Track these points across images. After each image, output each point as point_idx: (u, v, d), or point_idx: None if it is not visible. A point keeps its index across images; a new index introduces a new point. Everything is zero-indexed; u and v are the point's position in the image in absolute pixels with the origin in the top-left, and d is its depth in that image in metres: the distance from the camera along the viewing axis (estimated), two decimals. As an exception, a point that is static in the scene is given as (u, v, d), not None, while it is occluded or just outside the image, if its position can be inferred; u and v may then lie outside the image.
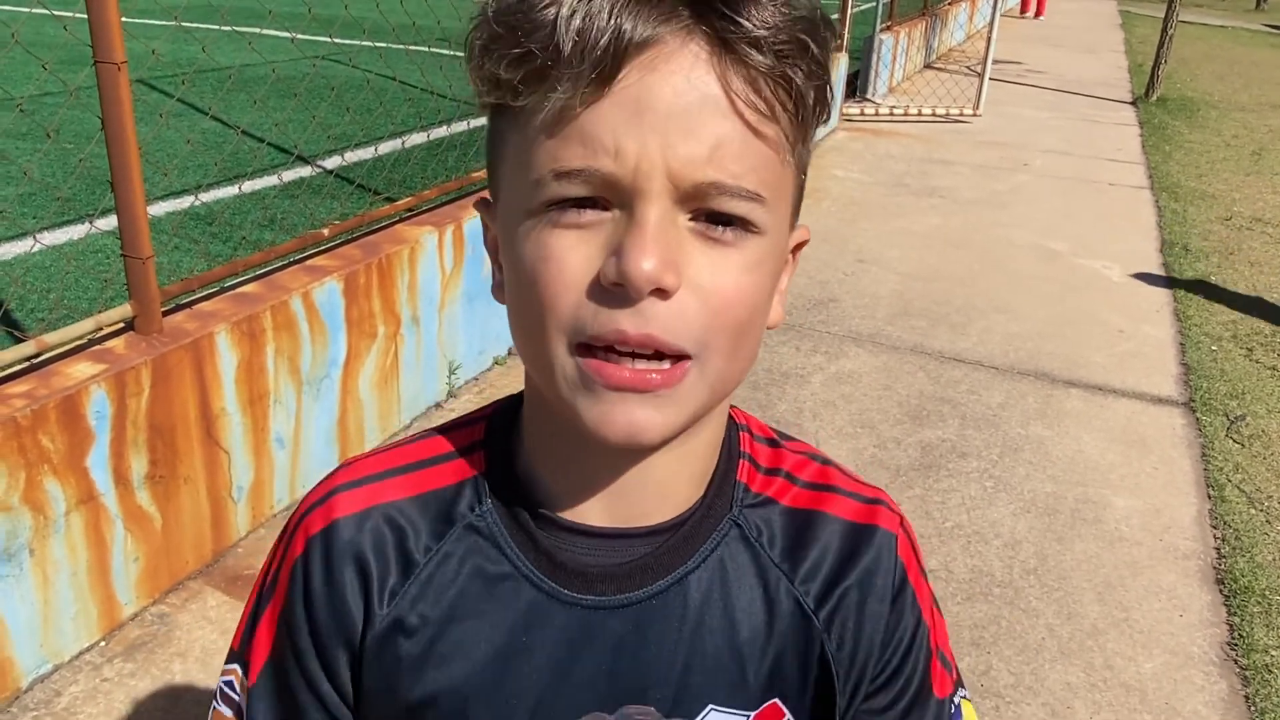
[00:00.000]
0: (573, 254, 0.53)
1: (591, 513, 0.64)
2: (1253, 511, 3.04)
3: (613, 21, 0.50)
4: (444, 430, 0.71)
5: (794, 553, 0.67)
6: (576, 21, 0.50)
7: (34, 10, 2.61)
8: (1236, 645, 2.47)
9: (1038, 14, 18.90)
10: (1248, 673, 2.39)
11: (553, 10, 0.51)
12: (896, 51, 9.60)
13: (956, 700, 0.75)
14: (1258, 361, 4.12)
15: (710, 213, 0.54)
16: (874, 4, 8.89)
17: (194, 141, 5.19)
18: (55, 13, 2.23)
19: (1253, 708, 2.28)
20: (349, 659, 0.66)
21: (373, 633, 0.65)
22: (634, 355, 0.54)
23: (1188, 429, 3.53)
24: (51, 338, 2.13)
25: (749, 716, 0.66)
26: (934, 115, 8.53)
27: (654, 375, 0.54)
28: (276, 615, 0.67)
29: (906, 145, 7.55)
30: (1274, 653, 2.45)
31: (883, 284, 4.72)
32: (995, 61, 9.85)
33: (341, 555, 0.65)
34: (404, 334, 3.14)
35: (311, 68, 6.64)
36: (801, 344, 4.01)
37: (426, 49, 6.19)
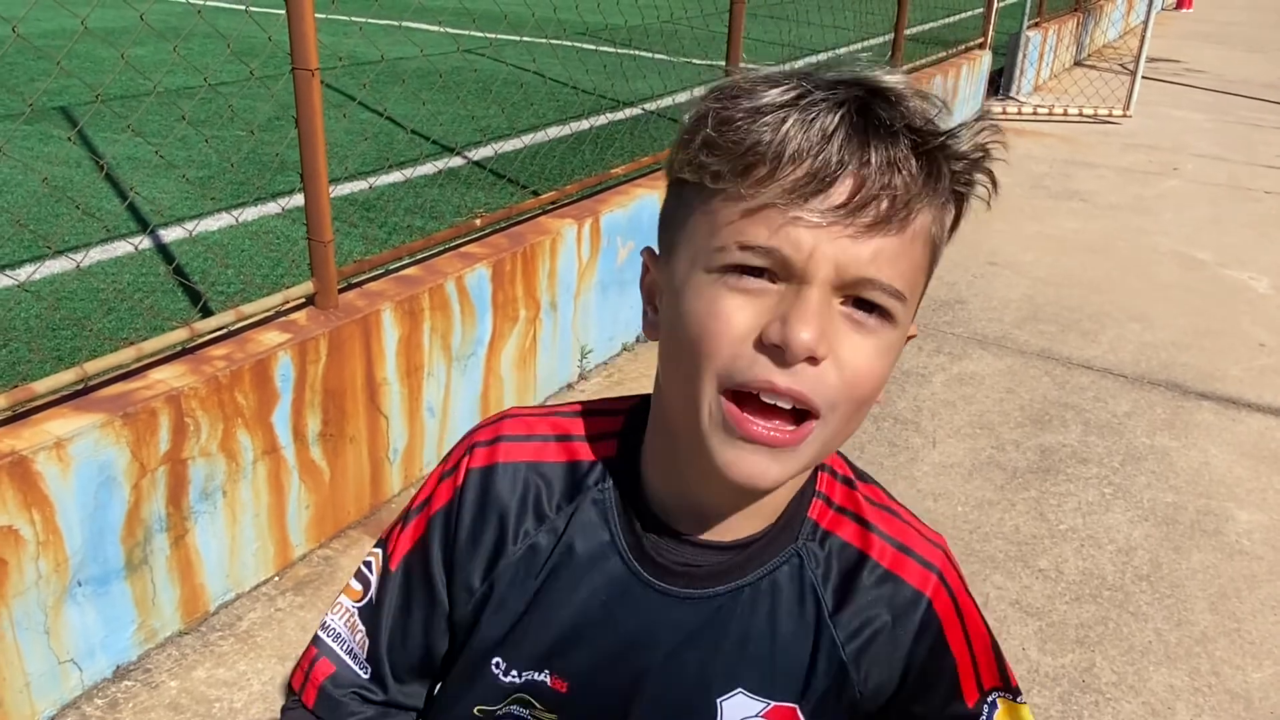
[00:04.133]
0: (740, 313, 0.64)
1: (682, 522, 0.76)
2: (1389, 535, 2.96)
3: (839, 153, 0.61)
4: (592, 412, 0.84)
5: (841, 592, 0.77)
6: (798, 141, 0.62)
7: (215, 3, 2.93)
8: (1356, 665, 2.45)
9: (1181, 5, 17.96)
10: (1366, 693, 2.37)
11: (778, 125, 0.62)
12: (1044, 49, 9.35)
13: (992, 699, 0.80)
14: None
15: (860, 300, 0.65)
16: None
17: (354, 131, 5.60)
18: (249, 9, 2.53)
19: (1368, 728, 2.27)
20: (470, 580, 0.80)
21: (504, 562, 0.80)
22: (772, 409, 0.64)
23: (1326, 448, 3.44)
24: (247, 308, 2.43)
25: (768, 705, 0.78)
26: (1080, 115, 8.30)
27: (783, 434, 0.65)
28: (424, 522, 0.82)
29: (1049, 146, 7.39)
30: (1397, 676, 2.42)
31: (1013, 288, 4.70)
32: (1150, 60, 9.49)
33: (493, 493, 0.80)
34: (542, 318, 3.37)
35: (462, 60, 7.00)
36: (925, 344, 4.07)
37: (569, 43, 6.42)
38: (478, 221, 3.21)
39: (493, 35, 7.62)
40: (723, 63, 4.52)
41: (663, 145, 4.78)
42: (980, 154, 0.67)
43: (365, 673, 0.85)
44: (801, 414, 0.65)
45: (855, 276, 0.63)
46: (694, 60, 7.32)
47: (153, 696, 2.18)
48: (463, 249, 3.12)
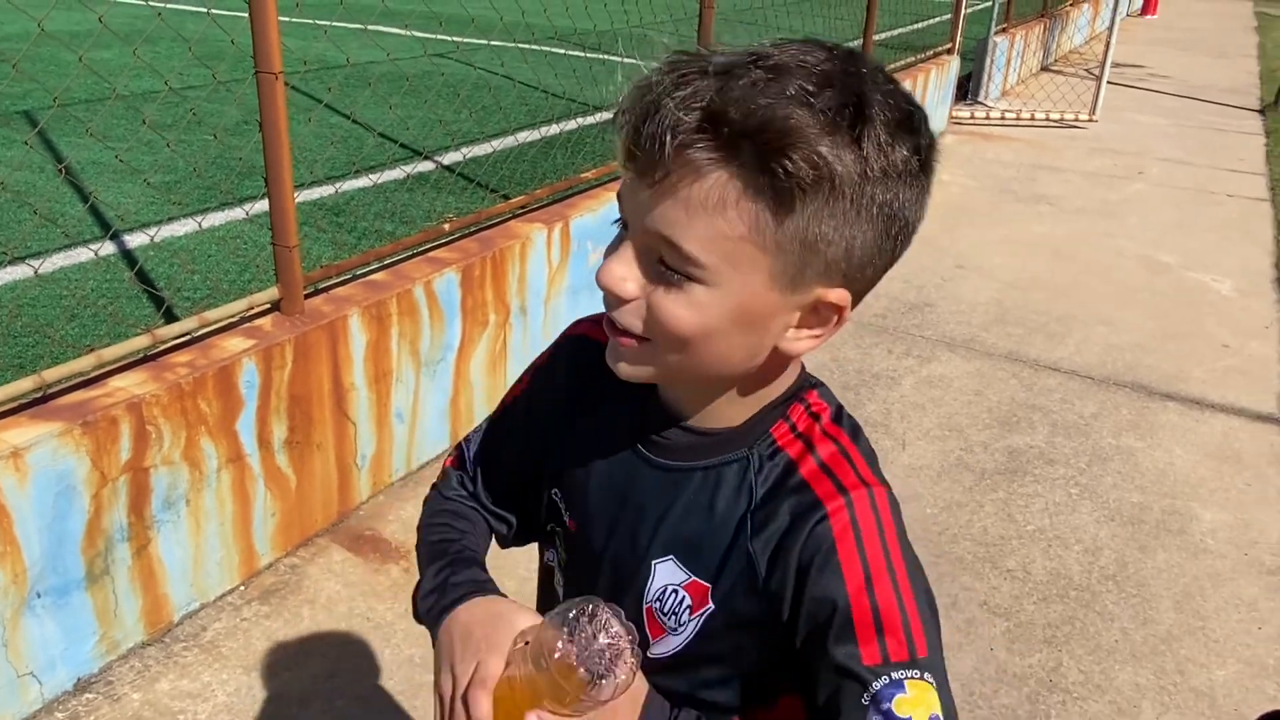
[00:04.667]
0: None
1: (673, 404, 0.89)
2: (1348, 532, 3.01)
3: (643, 121, 0.71)
4: None
5: (766, 496, 0.84)
6: (631, 111, 0.72)
7: (180, 6, 2.91)
8: (1317, 661, 2.48)
9: (1146, 11, 18.26)
10: (1326, 689, 2.40)
11: (631, 97, 0.72)
12: (1011, 54, 9.45)
13: (895, 676, 0.74)
14: (1370, 382, 4.01)
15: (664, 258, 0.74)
16: (990, 5, 8.79)
17: (322, 135, 5.56)
18: (211, 12, 2.51)
19: (1328, 723, 2.30)
20: (537, 421, 1.00)
21: (573, 408, 0.97)
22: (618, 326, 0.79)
23: (1287, 447, 3.49)
24: (211, 314, 2.41)
25: (689, 578, 0.87)
26: (1047, 120, 8.40)
27: (619, 341, 0.79)
28: (529, 374, 1.04)
29: (1016, 150, 7.47)
30: (1356, 671, 2.46)
31: (981, 291, 4.74)
32: (1116, 65, 9.62)
33: (576, 353, 0.98)
34: (513, 323, 3.36)
35: (430, 64, 6.97)
36: (894, 347, 4.10)
37: (538, 47, 6.40)
38: (446, 226, 3.19)
39: (460, 39, 7.60)
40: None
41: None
42: (778, 137, 0.67)
43: (470, 472, 1.07)
44: (627, 330, 0.78)
45: (647, 231, 0.73)
46: (665, 65, 7.34)
47: (115, 709, 2.14)
48: (431, 254, 3.10)
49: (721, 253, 0.72)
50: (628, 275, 0.76)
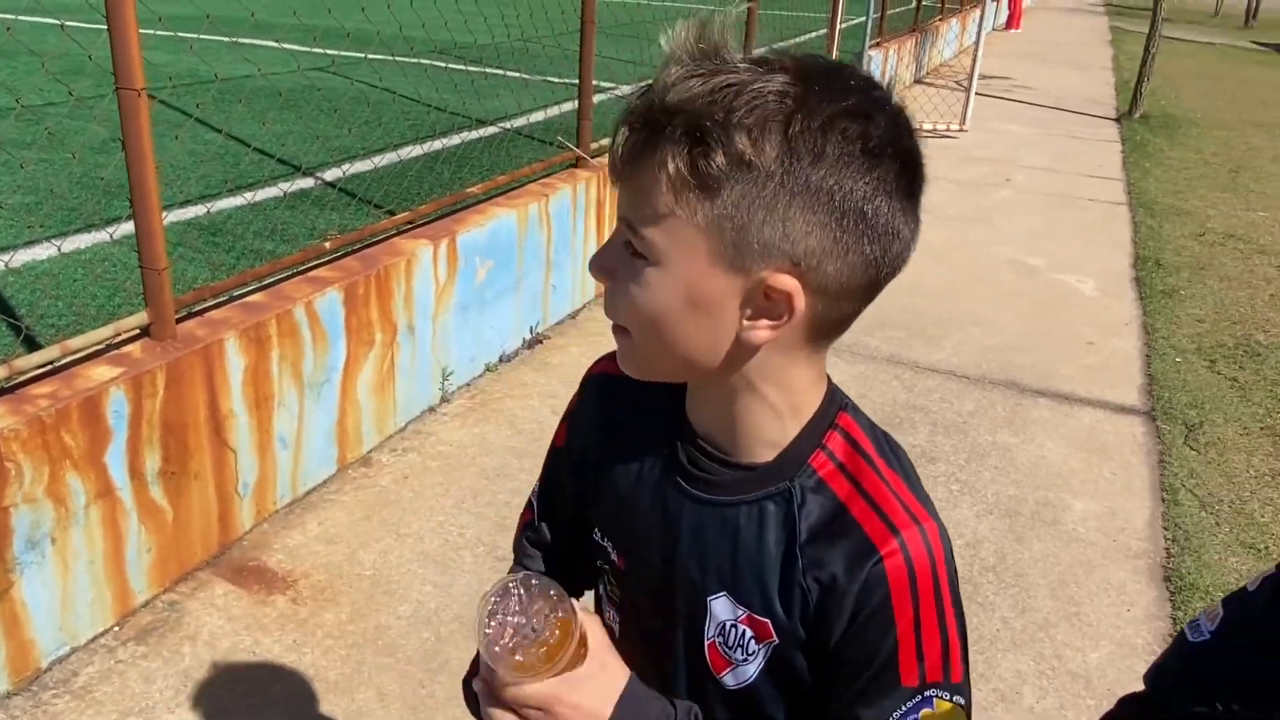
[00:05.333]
0: None
1: (707, 438, 0.90)
2: (1203, 514, 3.21)
3: (624, 119, 0.78)
4: None
5: (815, 531, 0.85)
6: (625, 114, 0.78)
7: (37, 19, 2.77)
8: (1179, 638, 2.64)
9: (1010, 26, 19.20)
10: (1189, 664, 2.55)
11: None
12: (885, 67, 9.79)
13: (927, 694, 0.82)
14: (1219, 373, 4.29)
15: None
16: (864, 20, 9.09)
17: (196, 152, 5.36)
18: (64, 25, 2.39)
19: (1191, 696, 2.45)
20: (581, 455, 1.02)
21: (605, 445, 0.99)
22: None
23: (1148, 437, 3.70)
24: (74, 342, 2.29)
25: (744, 613, 0.88)
26: (921, 131, 8.69)
27: (617, 340, 0.85)
28: (566, 420, 1.05)
29: (893, 160, 7.72)
30: (1214, 645, 2.62)
31: (863, 296, 4.88)
32: (984, 77, 10.08)
33: (602, 392, 1.01)
34: (400, 342, 3.30)
35: (304, 78, 6.81)
36: (782, 353, 4.18)
37: (417, 60, 6.31)
38: (327, 244, 3.11)
39: (337, 53, 7.45)
40: (578, 81, 4.54)
41: (522, 163, 4.76)
42: (702, 122, 0.72)
43: (537, 527, 1.09)
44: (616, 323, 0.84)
45: (619, 218, 0.80)
46: (551, 79, 7.33)
47: (-24, 766, 2.01)
48: (312, 273, 3.02)
49: (664, 232, 0.77)
50: (604, 261, 0.82)
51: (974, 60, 8.99)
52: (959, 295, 5.01)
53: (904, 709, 0.82)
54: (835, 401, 0.89)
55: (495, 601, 0.80)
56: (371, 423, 3.22)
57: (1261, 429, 3.84)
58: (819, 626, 0.84)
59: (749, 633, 0.88)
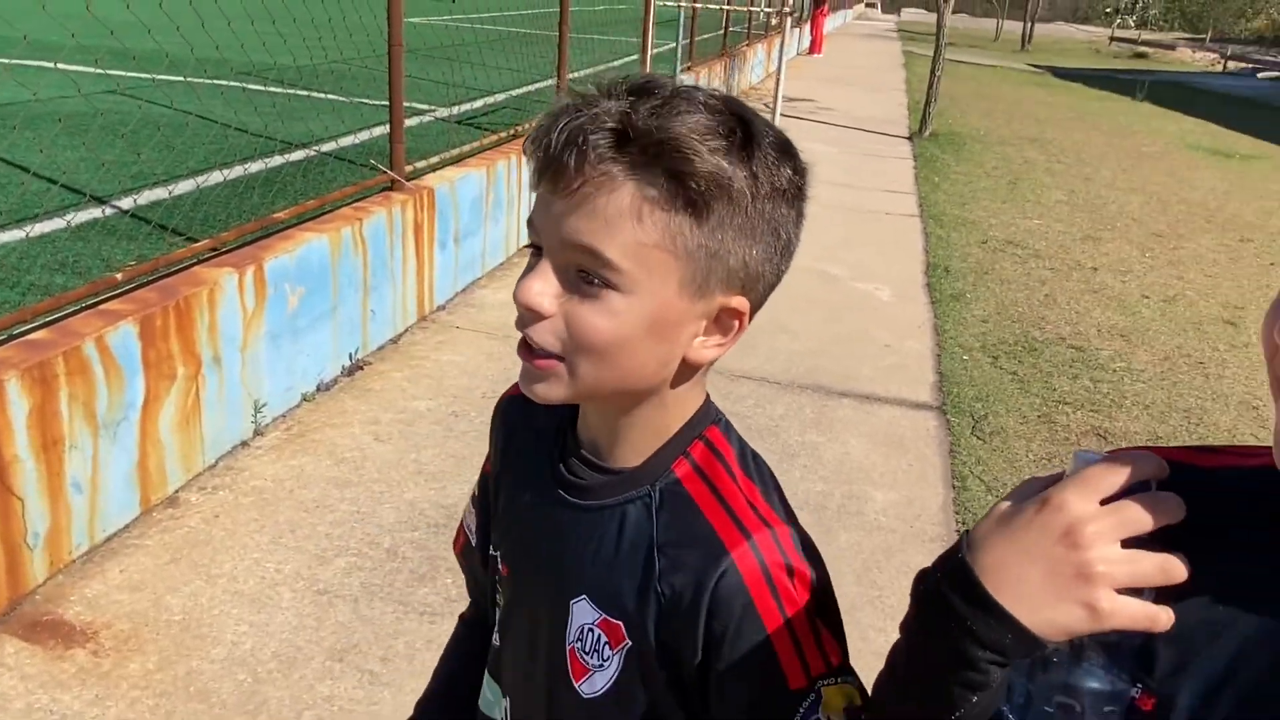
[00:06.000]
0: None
1: (584, 445, 0.93)
2: (990, 498, 3.51)
3: (554, 142, 0.76)
4: None
5: (669, 534, 0.86)
6: (541, 139, 0.77)
7: None
8: (969, 611, 2.88)
9: (812, 51, 20.32)
10: (977, 634, 2.79)
11: (541, 129, 0.78)
12: (697, 90, 10.15)
13: (818, 688, 0.83)
14: (1001, 368, 4.70)
15: (582, 268, 0.78)
16: (674, 45, 9.41)
17: (-28, 183, 4.97)
18: None
19: (980, 663, 2.68)
20: (492, 489, 1.05)
21: (500, 466, 1.04)
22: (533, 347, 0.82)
23: (939, 430, 4.01)
24: None
25: (601, 616, 0.88)
26: (732, 150, 9.08)
27: (534, 364, 0.82)
28: (490, 438, 1.07)
29: (706, 179, 8.02)
30: (999, 615, 2.87)
31: (680, 310, 5.06)
32: (790, 99, 10.61)
33: (506, 416, 1.04)
34: (205, 375, 3.18)
35: (90, 105, 6.44)
36: (603, 369, 4.28)
37: (213, 82, 6.09)
38: (119, 276, 2.97)
39: (122, 73, 7.07)
40: (408, 103, 4.51)
41: (335, 187, 4.66)
42: (685, 152, 0.75)
43: (468, 559, 1.12)
44: (545, 351, 0.81)
45: (565, 243, 0.77)
46: (367, 101, 7.21)
47: None
48: (104, 306, 2.88)
49: (637, 259, 0.76)
50: (545, 290, 0.78)
51: (777, 83, 9.47)
52: (768, 304, 5.23)
53: (801, 712, 0.82)
54: (709, 416, 0.91)
55: None
56: (177, 461, 3.08)
57: (1039, 417, 4.22)
58: (677, 635, 0.84)
59: (604, 637, 0.88)
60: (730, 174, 0.76)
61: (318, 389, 3.87)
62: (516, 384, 0.98)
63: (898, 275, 6.01)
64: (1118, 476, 0.63)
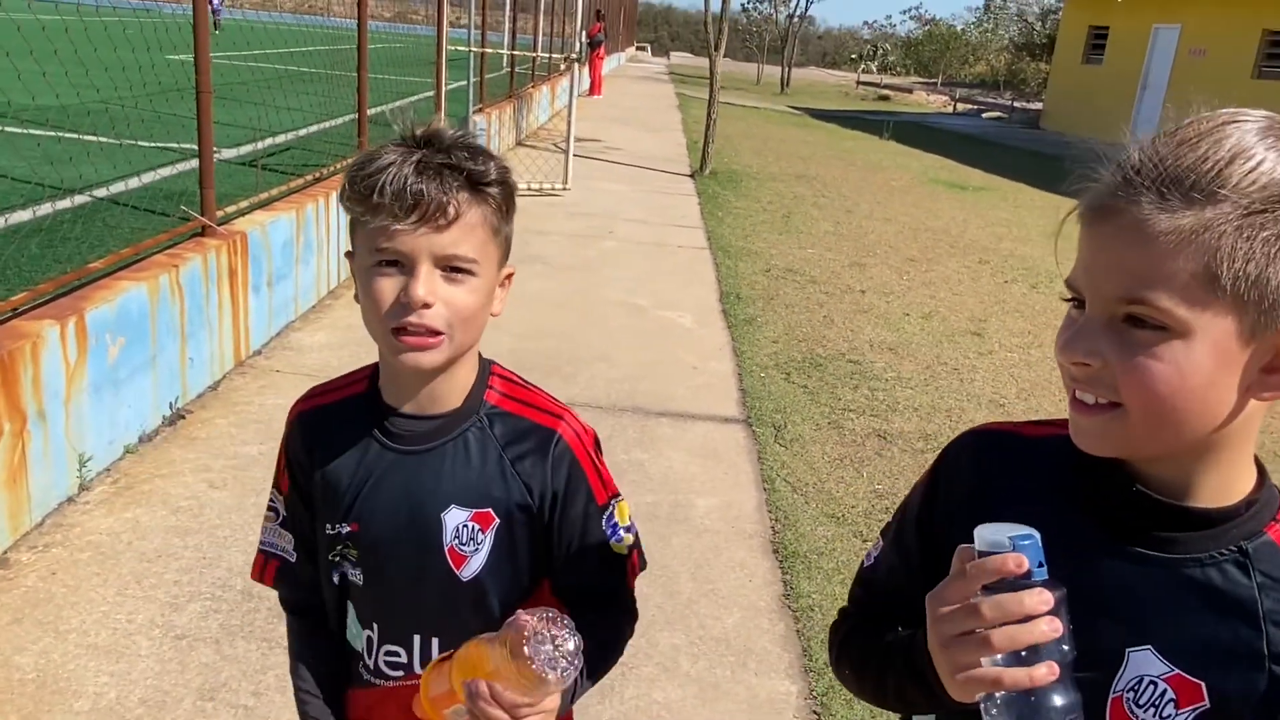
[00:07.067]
0: (387, 287, 1.11)
1: (405, 405, 1.22)
2: (795, 496, 3.95)
3: (411, 186, 1.08)
4: (354, 374, 1.30)
5: (508, 436, 1.22)
6: (389, 185, 1.08)
7: None
8: (789, 596, 3.27)
9: (592, 92, 21.12)
10: (798, 614, 3.17)
11: (378, 177, 1.08)
12: (490, 131, 10.41)
13: (612, 505, 1.28)
14: (793, 382, 5.22)
15: (450, 266, 1.11)
16: (465, 84, 9.62)
17: None
18: None
19: (802, 638, 3.06)
20: (307, 483, 1.27)
21: (315, 463, 1.25)
22: (418, 330, 1.11)
23: (748, 439, 4.44)
24: None
25: (472, 511, 1.21)
26: (529, 190, 9.40)
27: (425, 343, 1.11)
28: (281, 457, 1.31)
29: (507, 217, 8.26)
30: (815, 596, 3.28)
31: (499, 344, 5.27)
32: (578, 139, 11.04)
33: (303, 423, 1.28)
34: (31, 430, 3.10)
35: None
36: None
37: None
38: (-63, 333, 2.86)
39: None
40: (188, 144, 4.48)
41: (123, 233, 4.52)
42: (497, 180, 1.14)
43: (294, 558, 1.31)
44: (434, 331, 1.11)
45: (442, 255, 1.09)
46: (142, 143, 6.94)
47: None
48: (-79, 365, 2.77)
49: (481, 253, 1.12)
50: (425, 292, 1.08)
51: (569, 124, 9.87)
52: (584, 335, 5.57)
53: (605, 517, 1.27)
54: (489, 362, 1.27)
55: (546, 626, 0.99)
56: (5, 520, 2.98)
57: (829, 424, 4.75)
58: (536, 500, 1.20)
59: (477, 526, 1.21)
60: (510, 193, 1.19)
61: (140, 440, 3.79)
62: (300, 399, 1.31)
63: (696, 303, 6.49)
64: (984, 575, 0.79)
